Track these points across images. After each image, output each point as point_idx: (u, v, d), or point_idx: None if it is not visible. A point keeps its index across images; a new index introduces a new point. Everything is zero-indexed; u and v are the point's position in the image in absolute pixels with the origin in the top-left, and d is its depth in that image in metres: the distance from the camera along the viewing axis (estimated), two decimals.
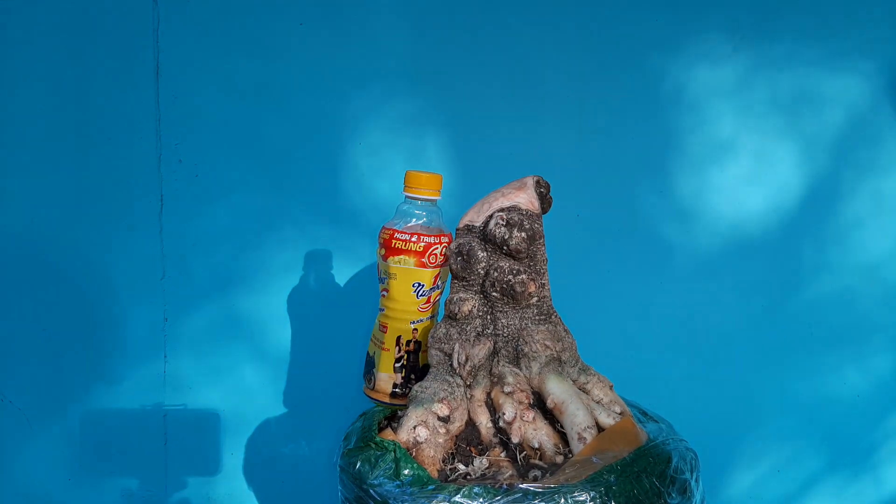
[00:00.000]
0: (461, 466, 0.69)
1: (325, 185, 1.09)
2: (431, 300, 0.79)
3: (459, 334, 0.75)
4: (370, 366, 0.82)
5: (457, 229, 0.78)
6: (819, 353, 1.19)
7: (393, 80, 1.09)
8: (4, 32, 1.00)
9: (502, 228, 0.73)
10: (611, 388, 0.76)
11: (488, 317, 0.76)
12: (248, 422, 1.11)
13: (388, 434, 0.73)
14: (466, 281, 0.76)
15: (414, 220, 0.77)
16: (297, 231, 1.09)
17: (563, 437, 0.70)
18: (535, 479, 0.64)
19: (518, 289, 0.73)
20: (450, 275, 0.78)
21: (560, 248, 0.88)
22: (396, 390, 0.79)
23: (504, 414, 0.71)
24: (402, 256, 0.76)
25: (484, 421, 0.73)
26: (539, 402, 0.73)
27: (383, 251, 0.78)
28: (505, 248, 0.73)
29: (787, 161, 1.15)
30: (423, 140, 1.10)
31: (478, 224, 0.76)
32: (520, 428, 0.70)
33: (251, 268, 1.08)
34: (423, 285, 0.77)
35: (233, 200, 1.07)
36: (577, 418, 0.68)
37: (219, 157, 1.06)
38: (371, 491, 0.64)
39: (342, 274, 1.11)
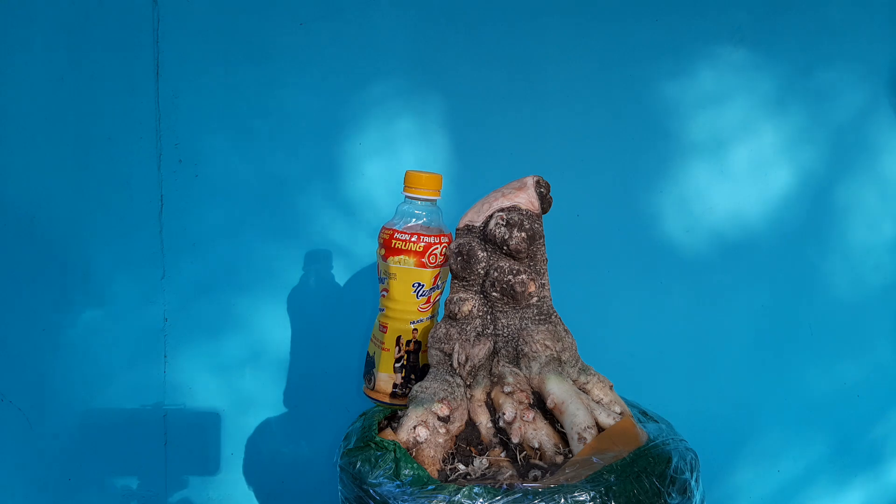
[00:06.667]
0: (461, 466, 0.69)
1: (324, 184, 1.09)
2: (431, 300, 0.79)
3: (459, 334, 0.75)
4: (370, 366, 0.82)
5: (457, 229, 0.78)
6: (819, 353, 1.19)
7: (393, 79, 1.09)
8: (5, 32, 1.00)
9: (502, 228, 0.73)
10: (611, 388, 0.76)
11: (488, 317, 0.76)
12: (248, 422, 1.11)
13: (388, 434, 0.72)
14: (466, 281, 0.76)
15: (414, 220, 0.77)
16: (297, 231, 1.09)
17: (563, 437, 0.70)
18: (535, 479, 0.64)
19: (518, 289, 0.73)
20: (450, 275, 0.78)
21: (560, 248, 0.88)
22: (396, 390, 0.79)
23: (504, 414, 0.71)
24: (402, 256, 0.76)
25: (484, 421, 0.73)
26: (539, 402, 0.73)
27: (383, 251, 0.78)
28: (505, 248, 0.73)
29: (788, 162, 1.15)
30: (423, 140, 1.10)
31: (478, 224, 0.76)
32: (520, 428, 0.70)
33: (251, 268, 1.08)
34: (423, 285, 0.77)
35: (233, 201, 1.07)
36: (577, 418, 0.68)
37: (219, 157, 1.06)
38: (371, 491, 0.64)
39: (342, 274, 1.11)
